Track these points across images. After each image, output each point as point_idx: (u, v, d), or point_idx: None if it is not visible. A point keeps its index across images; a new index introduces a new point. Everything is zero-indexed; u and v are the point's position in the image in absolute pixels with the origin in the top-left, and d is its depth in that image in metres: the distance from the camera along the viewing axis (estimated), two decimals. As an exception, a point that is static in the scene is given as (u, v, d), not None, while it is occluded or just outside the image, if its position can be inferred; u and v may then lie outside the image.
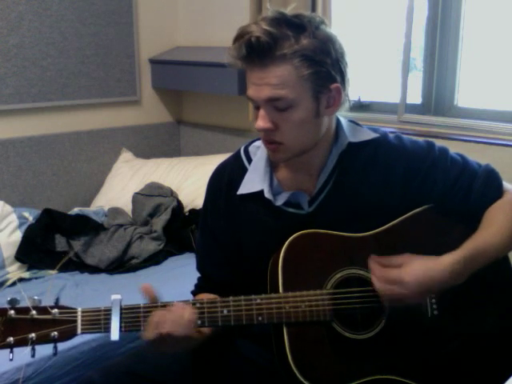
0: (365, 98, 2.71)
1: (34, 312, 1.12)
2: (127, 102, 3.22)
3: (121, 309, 1.17)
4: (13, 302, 1.11)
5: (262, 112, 1.20)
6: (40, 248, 2.47)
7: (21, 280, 2.34)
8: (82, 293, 2.23)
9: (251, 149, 1.39)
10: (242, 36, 1.15)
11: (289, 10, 1.19)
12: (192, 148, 3.39)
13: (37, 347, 1.13)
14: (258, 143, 1.38)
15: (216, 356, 1.32)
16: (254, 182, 1.33)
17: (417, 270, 1.19)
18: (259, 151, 1.36)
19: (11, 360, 1.10)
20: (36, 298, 1.13)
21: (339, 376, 1.23)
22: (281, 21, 1.15)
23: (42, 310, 1.13)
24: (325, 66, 1.17)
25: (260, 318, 1.21)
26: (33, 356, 1.11)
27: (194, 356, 1.32)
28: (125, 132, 3.23)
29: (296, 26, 1.16)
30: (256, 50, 1.14)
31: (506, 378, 1.06)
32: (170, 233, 2.66)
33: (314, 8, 2.45)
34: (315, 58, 1.16)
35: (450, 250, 1.22)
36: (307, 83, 1.17)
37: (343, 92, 1.23)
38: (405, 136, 1.38)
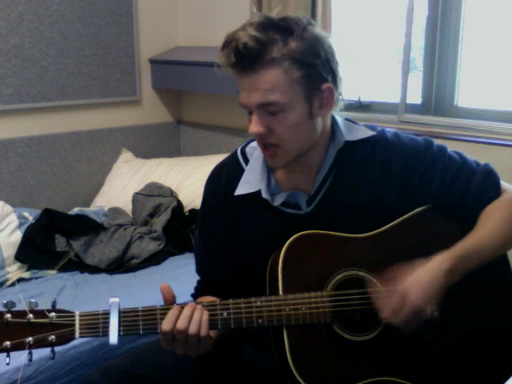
0: (365, 98, 2.69)
1: (31, 316, 1.10)
2: (127, 101, 3.22)
3: (119, 312, 1.16)
4: (8, 305, 1.10)
5: (254, 117, 1.19)
6: (40, 248, 2.46)
7: (21, 280, 2.34)
8: (81, 293, 2.22)
9: (248, 149, 1.39)
10: (229, 43, 1.15)
11: (275, 13, 1.19)
12: (192, 148, 3.39)
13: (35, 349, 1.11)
14: (255, 143, 1.37)
15: (215, 357, 1.32)
16: (251, 182, 1.33)
17: (410, 281, 1.19)
18: (256, 151, 1.36)
19: (8, 364, 1.09)
20: (33, 300, 1.12)
21: (339, 378, 1.23)
22: (267, 25, 1.15)
23: (39, 313, 1.11)
24: (315, 68, 1.17)
25: (260, 321, 1.20)
26: (30, 360, 1.10)
27: (193, 357, 1.32)
28: (125, 132, 3.22)
29: (283, 29, 1.15)
30: (244, 57, 1.14)
31: (506, 378, 1.05)
32: (170, 233, 2.66)
33: (314, 8, 2.44)
34: (304, 60, 1.15)
35: None
36: (298, 86, 1.17)
37: (335, 91, 1.22)
38: (403, 133, 1.37)
